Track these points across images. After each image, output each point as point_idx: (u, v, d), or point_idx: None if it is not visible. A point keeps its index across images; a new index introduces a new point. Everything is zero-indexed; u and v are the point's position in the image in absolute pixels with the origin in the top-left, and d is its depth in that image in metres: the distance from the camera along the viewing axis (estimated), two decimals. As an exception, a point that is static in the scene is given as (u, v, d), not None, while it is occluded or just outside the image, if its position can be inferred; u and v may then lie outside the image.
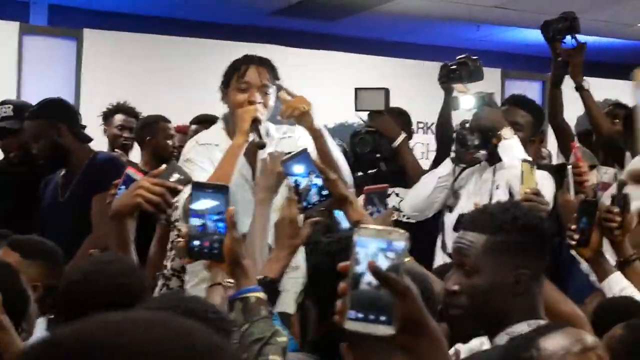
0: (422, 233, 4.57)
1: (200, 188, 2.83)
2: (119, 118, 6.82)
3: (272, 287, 3.16)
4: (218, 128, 4.40)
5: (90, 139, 5.16)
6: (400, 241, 1.79)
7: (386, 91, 5.33)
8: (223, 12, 9.84)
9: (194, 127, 6.50)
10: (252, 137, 4.02)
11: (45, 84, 8.99)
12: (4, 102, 5.67)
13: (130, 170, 3.55)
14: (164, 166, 3.39)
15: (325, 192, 3.31)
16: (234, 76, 4.24)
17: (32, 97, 8.62)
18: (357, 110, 5.40)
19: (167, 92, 9.14)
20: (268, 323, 2.68)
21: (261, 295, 2.74)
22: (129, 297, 2.58)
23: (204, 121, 6.39)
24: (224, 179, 3.76)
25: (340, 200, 3.34)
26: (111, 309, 1.08)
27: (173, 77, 9.41)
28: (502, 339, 2.60)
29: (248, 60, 4.27)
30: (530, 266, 2.72)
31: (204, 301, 2.23)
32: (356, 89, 5.27)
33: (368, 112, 5.38)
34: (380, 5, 9.40)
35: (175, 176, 3.25)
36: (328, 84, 9.86)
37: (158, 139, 6.56)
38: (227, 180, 3.78)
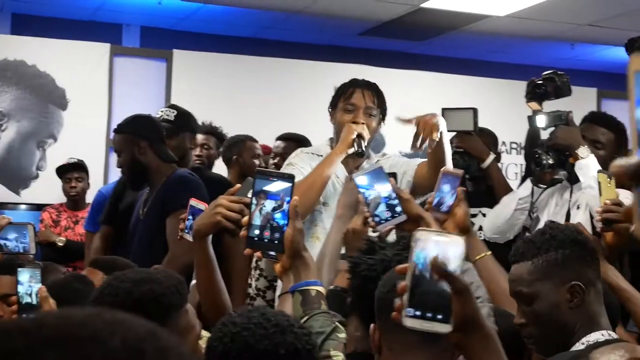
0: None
1: (264, 176, 2.69)
2: (200, 137, 6.85)
3: (343, 297, 3.11)
4: (324, 144, 4.49)
5: (173, 159, 5.17)
6: (458, 245, 1.89)
7: (474, 111, 5.22)
8: (312, 32, 9.86)
9: (279, 143, 6.51)
10: (352, 150, 4.10)
11: (135, 103, 9.10)
12: (172, 106, 5.77)
13: (193, 202, 3.62)
14: (237, 185, 3.36)
15: (399, 209, 3.27)
16: (340, 98, 4.34)
17: (123, 116, 8.76)
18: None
19: (255, 112, 9.19)
20: (328, 318, 2.62)
21: (321, 289, 2.69)
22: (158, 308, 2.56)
23: (290, 139, 6.41)
24: (316, 181, 4.02)
25: (416, 220, 3.29)
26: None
27: (261, 97, 9.45)
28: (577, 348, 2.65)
29: (354, 84, 4.40)
30: (580, 277, 2.78)
31: (289, 316, 2.18)
32: (443, 109, 5.14)
33: (456, 133, 5.27)
34: (469, 24, 9.34)
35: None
36: (417, 104, 9.81)
37: (244, 157, 6.58)
38: (319, 184, 3.96)
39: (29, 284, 3.21)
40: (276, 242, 2.66)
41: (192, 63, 9.46)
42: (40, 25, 9.29)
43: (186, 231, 3.61)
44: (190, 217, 3.56)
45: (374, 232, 3.27)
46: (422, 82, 10.14)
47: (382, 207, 3.27)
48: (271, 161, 6.65)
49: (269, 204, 2.65)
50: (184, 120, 5.54)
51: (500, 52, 10.63)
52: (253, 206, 2.65)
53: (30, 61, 8.92)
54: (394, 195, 3.27)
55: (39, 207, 8.07)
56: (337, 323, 2.63)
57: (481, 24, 9.30)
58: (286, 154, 5.39)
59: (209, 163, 6.71)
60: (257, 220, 2.65)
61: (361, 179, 3.28)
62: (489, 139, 5.68)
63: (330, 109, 4.47)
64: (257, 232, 2.66)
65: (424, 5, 8.56)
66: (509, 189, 5.31)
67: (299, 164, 4.28)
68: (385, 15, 9.07)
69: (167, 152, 5.18)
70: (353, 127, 4.21)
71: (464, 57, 10.82)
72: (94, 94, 9.00)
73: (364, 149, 4.14)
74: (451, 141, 5.30)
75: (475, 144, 5.31)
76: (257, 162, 6.56)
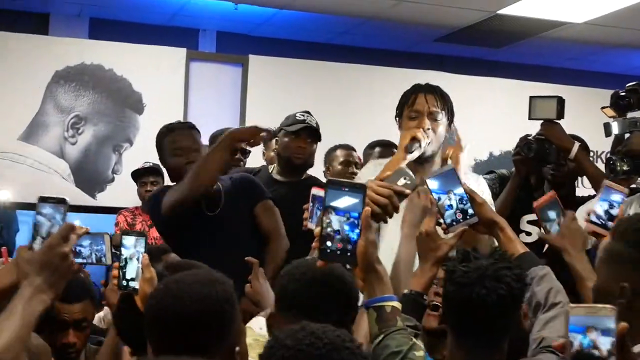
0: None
1: (336, 186, 2.62)
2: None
3: (418, 301, 3.08)
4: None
5: None
6: (611, 317, 1.89)
7: (559, 99, 5.08)
8: (388, 38, 9.84)
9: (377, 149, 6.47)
10: (410, 156, 4.02)
11: (210, 108, 9.16)
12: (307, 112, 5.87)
13: (315, 190, 3.65)
14: (388, 172, 3.32)
15: (471, 212, 3.22)
16: (405, 105, 4.28)
17: (198, 121, 8.78)
18: (530, 118, 5.14)
19: (330, 118, 9.15)
20: (405, 335, 2.56)
21: (397, 304, 2.61)
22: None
23: (379, 145, 6.39)
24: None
25: (489, 225, 3.24)
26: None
27: (336, 102, 9.43)
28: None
29: (417, 89, 4.30)
30: (634, 281, 2.61)
31: (337, 330, 2.11)
32: (531, 97, 5.04)
33: (541, 122, 5.15)
34: (546, 31, 9.25)
35: (402, 181, 3.17)
36: (493, 111, 9.75)
37: (333, 166, 6.56)
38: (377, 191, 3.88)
39: (134, 249, 3.28)
40: (349, 254, 2.58)
41: (268, 68, 9.48)
42: (118, 30, 9.39)
43: (310, 220, 3.60)
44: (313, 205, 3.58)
45: (445, 234, 3.23)
46: (498, 89, 10.06)
47: (453, 210, 3.23)
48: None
49: (341, 215, 2.59)
50: None
51: (577, 60, 10.52)
52: (325, 217, 2.59)
53: (107, 65, 9.00)
54: (465, 197, 3.23)
55: (114, 211, 8.13)
56: (414, 340, 2.58)
57: (558, 30, 9.21)
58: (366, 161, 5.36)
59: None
60: (330, 232, 2.58)
61: (433, 181, 3.24)
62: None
63: (397, 118, 4.42)
64: (329, 243, 2.58)
65: (501, 11, 8.49)
66: (601, 174, 5.13)
67: (363, 176, 4.18)
68: (462, 22, 9.02)
69: None
70: (408, 132, 4.15)
71: (541, 64, 10.72)
72: (169, 99, 9.05)
73: (413, 151, 4.04)
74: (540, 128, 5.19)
75: (558, 133, 5.11)
76: (349, 169, 6.51)
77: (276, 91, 9.27)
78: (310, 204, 3.65)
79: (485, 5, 8.43)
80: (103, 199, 8.92)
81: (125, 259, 3.27)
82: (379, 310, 2.58)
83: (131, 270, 3.25)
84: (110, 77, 9.01)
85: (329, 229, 2.58)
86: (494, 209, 3.63)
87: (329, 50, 10.04)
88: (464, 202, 3.22)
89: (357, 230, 2.58)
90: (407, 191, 3.16)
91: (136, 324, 2.71)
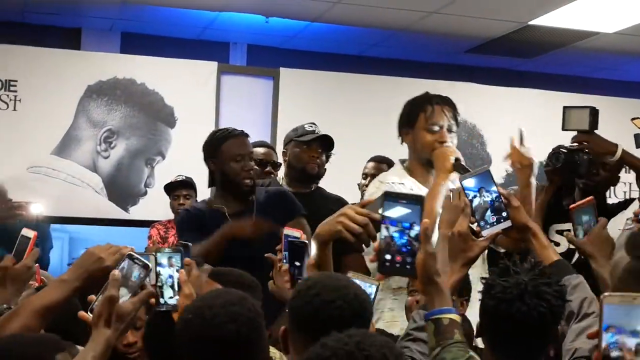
0: None
1: (393, 198, 2.64)
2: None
3: None
4: (397, 169, 4.42)
5: None
6: None
7: (592, 110, 5.01)
8: (418, 50, 9.83)
9: (370, 164, 6.50)
10: (453, 176, 4.00)
11: (241, 121, 9.16)
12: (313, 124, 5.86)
13: (288, 230, 3.66)
14: (374, 196, 3.30)
15: (505, 215, 3.20)
16: (419, 115, 4.23)
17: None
18: (563, 129, 5.08)
19: (361, 130, 9.18)
20: (461, 348, 2.57)
21: (455, 317, 2.62)
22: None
23: (380, 161, 6.41)
24: (431, 217, 3.79)
25: (522, 229, 3.22)
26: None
27: (367, 114, 9.42)
28: None
29: (431, 100, 4.26)
30: None
31: (380, 341, 2.07)
32: (564, 108, 4.98)
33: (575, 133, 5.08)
34: (577, 42, 9.22)
35: None
36: (525, 122, 9.70)
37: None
38: (433, 219, 3.79)
39: (170, 266, 3.22)
40: (408, 266, 2.59)
41: (299, 81, 9.49)
42: (149, 44, 9.44)
43: (284, 261, 3.62)
44: (286, 252, 3.59)
45: (478, 236, 3.21)
46: (529, 99, 10.03)
47: (487, 212, 3.21)
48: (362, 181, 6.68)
49: (399, 227, 2.59)
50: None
51: (608, 70, 10.47)
52: (383, 229, 2.59)
53: (139, 79, 9.05)
54: (500, 200, 3.21)
55: (147, 224, 8.16)
56: (470, 353, 2.58)
57: (589, 41, 9.17)
58: (375, 174, 5.37)
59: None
60: (388, 245, 2.59)
61: (468, 181, 3.22)
62: None
63: (404, 129, 4.36)
64: (388, 256, 2.60)
65: (533, 22, 8.47)
66: None
67: (372, 194, 4.17)
68: (493, 33, 9.01)
69: None
70: (448, 153, 4.11)
71: (572, 75, 10.68)
72: (201, 112, 9.08)
73: (469, 169, 4.02)
74: (571, 139, 5.13)
75: (595, 142, 5.03)
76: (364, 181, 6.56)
77: (307, 104, 9.27)
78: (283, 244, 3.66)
79: (517, 16, 8.41)
80: (136, 212, 8.96)
81: (161, 277, 3.21)
82: (437, 322, 2.60)
83: (168, 288, 3.21)
84: (142, 91, 9.06)
85: (387, 242, 2.59)
86: None
87: (360, 62, 10.04)
88: (499, 204, 3.21)
89: (415, 242, 2.59)
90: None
91: (170, 342, 2.72)
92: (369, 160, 6.75)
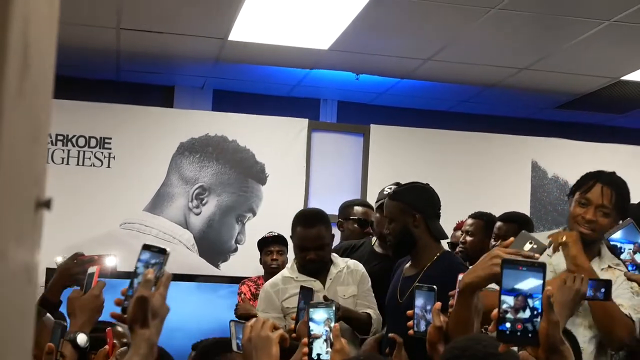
0: None
1: (513, 266, 2.54)
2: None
3: None
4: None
5: (444, 236, 5.07)
6: None
7: None
8: (508, 105, 9.79)
9: (500, 224, 6.34)
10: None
11: (332, 178, 9.21)
12: (397, 183, 5.76)
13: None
14: (511, 238, 3.26)
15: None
16: (580, 188, 4.23)
17: (320, 190, 8.83)
18: None
19: (453, 186, 9.13)
20: None
21: None
22: None
23: (509, 220, 6.29)
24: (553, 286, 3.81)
25: None
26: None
27: (458, 170, 9.40)
28: None
29: (597, 177, 4.24)
30: None
31: None
32: None
33: None
34: (671, 96, 9.12)
35: (528, 245, 3.13)
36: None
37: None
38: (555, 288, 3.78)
39: (324, 326, 3.19)
40: (530, 335, 2.51)
41: (389, 137, 9.48)
42: (241, 102, 9.55)
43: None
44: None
45: None
46: (620, 155, 9.90)
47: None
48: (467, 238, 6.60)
49: (519, 296, 2.52)
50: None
51: None
52: (502, 297, 2.52)
53: (230, 136, 9.13)
54: None
55: (237, 280, 8.18)
56: None
57: (684, 95, 9.07)
58: (506, 235, 5.26)
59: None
60: (508, 313, 2.51)
61: (617, 234, 3.18)
62: None
63: (570, 195, 4.36)
64: (508, 325, 2.52)
65: (625, 77, 8.39)
66: None
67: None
68: (584, 88, 8.94)
69: (439, 229, 5.03)
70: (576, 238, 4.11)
71: (665, 130, 10.55)
72: (292, 169, 9.14)
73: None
74: None
75: None
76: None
77: (397, 160, 9.28)
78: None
79: (609, 72, 8.34)
80: (226, 268, 9.00)
81: (314, 333, 3.19)
82: None
83: (320, 343, 3.18)
84: (233, 148, 9.14)
85: (507, 310, 2.52)
86: None
87: (450, 118, 10.04)
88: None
89: (537, 311, 2.51)
90: (537, 255, 3.11)
91: None
92: (498, 219, 6.53)
